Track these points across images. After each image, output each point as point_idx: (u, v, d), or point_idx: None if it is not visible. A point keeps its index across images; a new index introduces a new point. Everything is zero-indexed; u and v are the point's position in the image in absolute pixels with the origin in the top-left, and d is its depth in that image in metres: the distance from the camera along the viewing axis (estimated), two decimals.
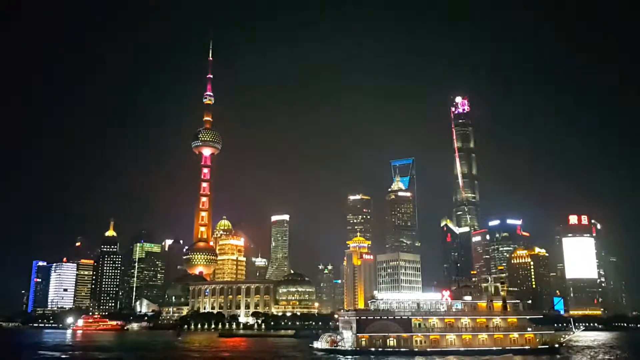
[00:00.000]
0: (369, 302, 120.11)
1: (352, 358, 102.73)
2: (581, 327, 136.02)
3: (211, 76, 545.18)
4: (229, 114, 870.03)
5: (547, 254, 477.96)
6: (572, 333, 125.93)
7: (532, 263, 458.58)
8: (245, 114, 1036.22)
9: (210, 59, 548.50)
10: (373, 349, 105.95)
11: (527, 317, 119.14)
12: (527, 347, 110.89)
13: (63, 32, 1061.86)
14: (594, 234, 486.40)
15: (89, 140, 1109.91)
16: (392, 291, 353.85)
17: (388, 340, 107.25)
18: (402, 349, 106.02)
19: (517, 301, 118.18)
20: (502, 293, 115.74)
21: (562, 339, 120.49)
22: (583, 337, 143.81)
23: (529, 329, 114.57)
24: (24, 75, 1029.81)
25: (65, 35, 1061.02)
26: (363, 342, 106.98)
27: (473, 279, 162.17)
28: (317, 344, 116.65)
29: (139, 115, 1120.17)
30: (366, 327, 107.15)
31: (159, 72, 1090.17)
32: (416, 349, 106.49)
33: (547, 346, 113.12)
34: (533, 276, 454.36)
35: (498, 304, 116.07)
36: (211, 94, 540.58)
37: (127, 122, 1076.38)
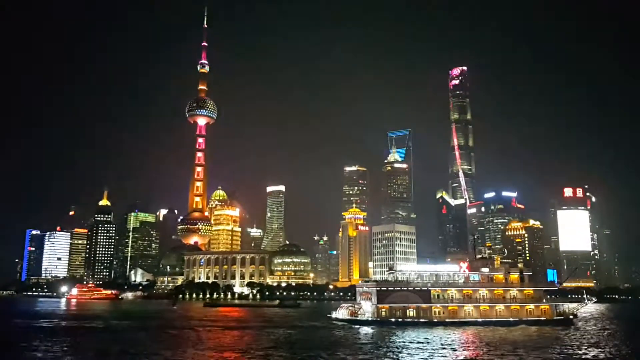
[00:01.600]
0: (387, 273, 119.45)
1: (373, 328, 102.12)
2: (593, 298, 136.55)
3: (206, 44, 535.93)
4: (225, 83, 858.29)
5: (541, 226, 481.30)
6: (585, 304, 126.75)
7: (526, 235, 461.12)
8: (242, 84, 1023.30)
9: (205, 26, 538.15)
10: (393, 320, 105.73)
11: (543, 288, 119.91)
12: (542, 319, 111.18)
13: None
14: (589, 207, 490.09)
15: (84, 110, 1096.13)
16: (387, 262, 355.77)
17: (408, 310, 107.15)
18: (421, 320, 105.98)
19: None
20: (519, 265, 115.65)
21: (576, 310, 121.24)
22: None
23: (544, 301, 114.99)
24: (24, 45, 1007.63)
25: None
26: (383, 313, 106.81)
27: (488, 251, 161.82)
28: (336, 314, 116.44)
29: (134, 85, 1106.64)
30: (386, 298, 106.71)
31: (155, 42, 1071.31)
32: (435, 320, 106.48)
33: (561, 317, 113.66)
34: (527, 248, 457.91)
35: (515, 275, 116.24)
36: (206, 62, 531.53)
37: (123, 91, 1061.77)
